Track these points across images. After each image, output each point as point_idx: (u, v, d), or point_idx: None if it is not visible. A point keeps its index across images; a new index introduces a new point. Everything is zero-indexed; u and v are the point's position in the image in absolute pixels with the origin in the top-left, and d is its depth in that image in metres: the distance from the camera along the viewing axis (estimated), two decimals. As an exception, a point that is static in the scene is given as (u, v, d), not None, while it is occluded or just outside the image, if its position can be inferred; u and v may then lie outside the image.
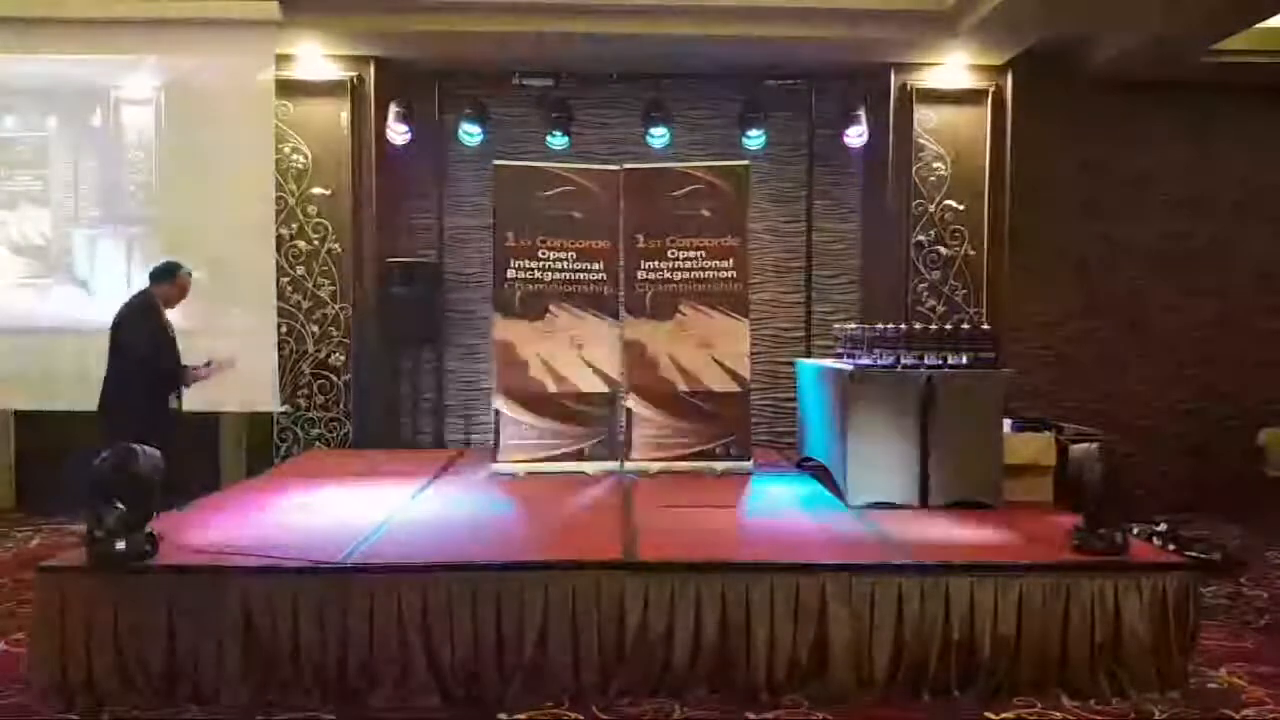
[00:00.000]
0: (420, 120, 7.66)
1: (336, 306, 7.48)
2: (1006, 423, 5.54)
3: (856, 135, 7.65)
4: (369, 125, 7.49)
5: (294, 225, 7.44)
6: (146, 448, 4.08)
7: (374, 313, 7.61)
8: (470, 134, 7.72)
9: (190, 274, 5.69)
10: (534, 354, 6.49)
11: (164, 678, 3.91)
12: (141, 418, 5.25)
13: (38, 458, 7.61)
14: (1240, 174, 8.15)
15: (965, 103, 7.59)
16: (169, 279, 5.62)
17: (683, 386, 6.54)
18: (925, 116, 7.59)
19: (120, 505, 3.94)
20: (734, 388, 6.54)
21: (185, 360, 5.64)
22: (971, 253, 7.62)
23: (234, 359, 5.96)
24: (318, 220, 7.47)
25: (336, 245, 7.47)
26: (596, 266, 6.61)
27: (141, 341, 5.45)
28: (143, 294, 5.68)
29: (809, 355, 7.82)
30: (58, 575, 4.03)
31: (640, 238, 6.61)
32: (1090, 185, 8.08)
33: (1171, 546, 5.63)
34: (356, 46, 7.34)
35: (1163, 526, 6.01)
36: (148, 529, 4.03)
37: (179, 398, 5.63)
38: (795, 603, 4.02)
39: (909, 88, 7.56)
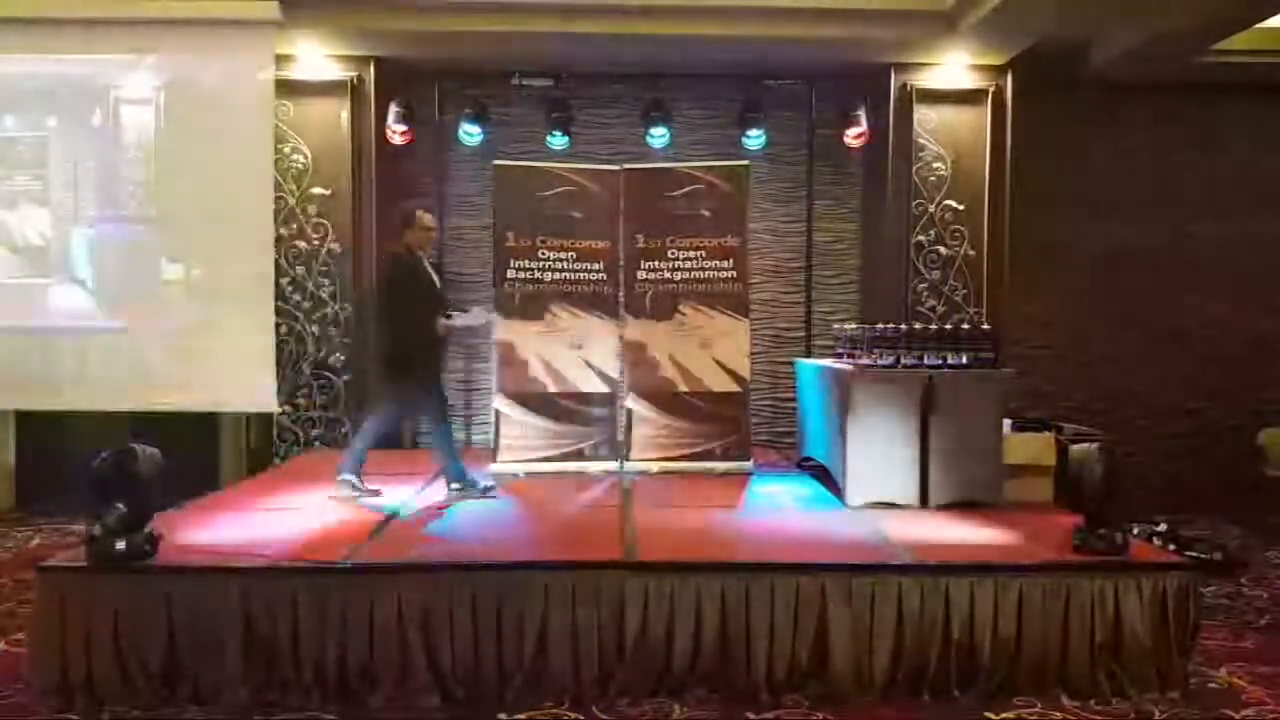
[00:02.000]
0: (420, 120, 7.66)
1: (336, 306, 7.48)
2: (1006, 423, 5.54)
3: (856, 135, 7.64)
4: (369, 125, 7.48)
5: (294, 225, 7.44)
6: (147, 447, 4.08)
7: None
8: (470, 134, 7.72)
9: (427, 211, 5.74)
10: (534, 354, 6.49)
11: (164, 678, 3.91)
12: (415, 373, 5.41)
13: (38, 458, 7.61)
14: (1240, 174, 8.15)
15: (965, 103, 7.58)
16: (410, 223, 5.58)
17: (683, 386, 6.55)
18: (925, 116, 7.59)
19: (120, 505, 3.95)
20: (734, 388, 6.55)
21: None
22: (971, 253, 7.62)
23: (486, 312, 6.11)
24: (318, 220, 7.46)
25: (336, 245, 7.47)
26: (596, 266, 6.61)
27: (399, 295, 5.45)
28: (402, 249, 5.58)
29: (809, 355, 7.82)
30: (58, 575, 4.03)
31: (640, 238, 6.62)
32: (1090, 185, 8.09)
33: (1171, 546, 5.63)
34: (356, 46, 7.34)
35: (1163, 526, 6.01)
36: (148, 529, 4.03)
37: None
38: (795, 603, 4.03)
39: (909, 88, 7.56)
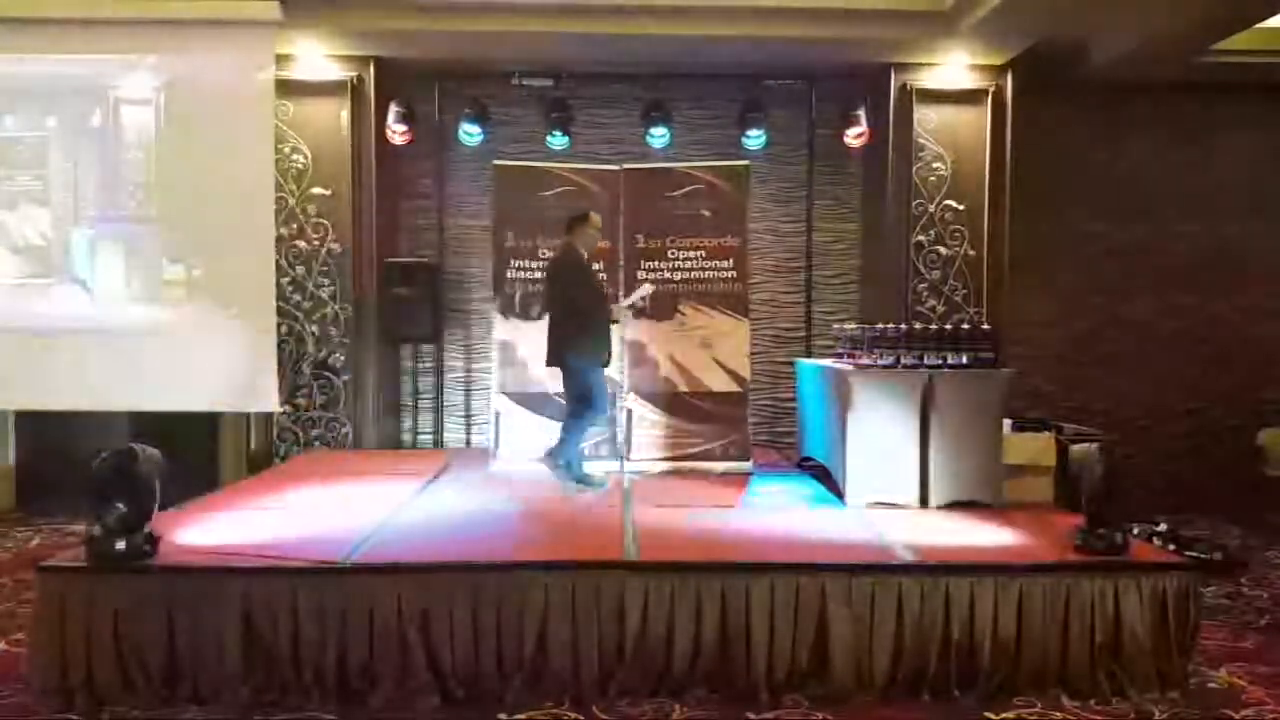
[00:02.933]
0: (420, 120, 7.66)
1: (336, 306, 7.48)
2: (1006, 423, 5.54)
3: (856, 135, 7.64)
4: (369, 125, 7.48)
5: (294, 225, 7.44)
6: (147, 448, 4.08)
7: (374, 313, 7.61)
8: (470, 134, 7.72)
9: (598, 214, 6.05)
10: (534, 354, 6.49)
11: (164, 678, 3.91)
12: (590, 363, 5.77)
13: (38, 458, 7.60)
14: (1240, 174, 8.16)
15: (965, 103, 7.58)
16: (583, 224, 5.89)
17: (683, 386, 6.55)
18: (925, 116, 7.59)
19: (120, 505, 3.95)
20: (734, 388, 6.55)
21: None
22: (971, 253, 7.62)
23: (648, 290, 6.41)
24: (318, 220, 7.46)
25: (336, 245, 7.46)
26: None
27: (580, 291, 5.83)
28: (565, 246, 5.97)
29: (809, 355, 7.82)
30: (58, 575, 4.02)
31: (640, 238, 6.63)
32: (1090, 185, 8.09)
33: (1171, 546, 5.64)
34: (356, 46, 7.34)
35: (1163, 526, 6.01)
36: (147, 529, 4.03)
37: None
38: (795, 603, 4.03)
39: (909, 88, 7.56)
